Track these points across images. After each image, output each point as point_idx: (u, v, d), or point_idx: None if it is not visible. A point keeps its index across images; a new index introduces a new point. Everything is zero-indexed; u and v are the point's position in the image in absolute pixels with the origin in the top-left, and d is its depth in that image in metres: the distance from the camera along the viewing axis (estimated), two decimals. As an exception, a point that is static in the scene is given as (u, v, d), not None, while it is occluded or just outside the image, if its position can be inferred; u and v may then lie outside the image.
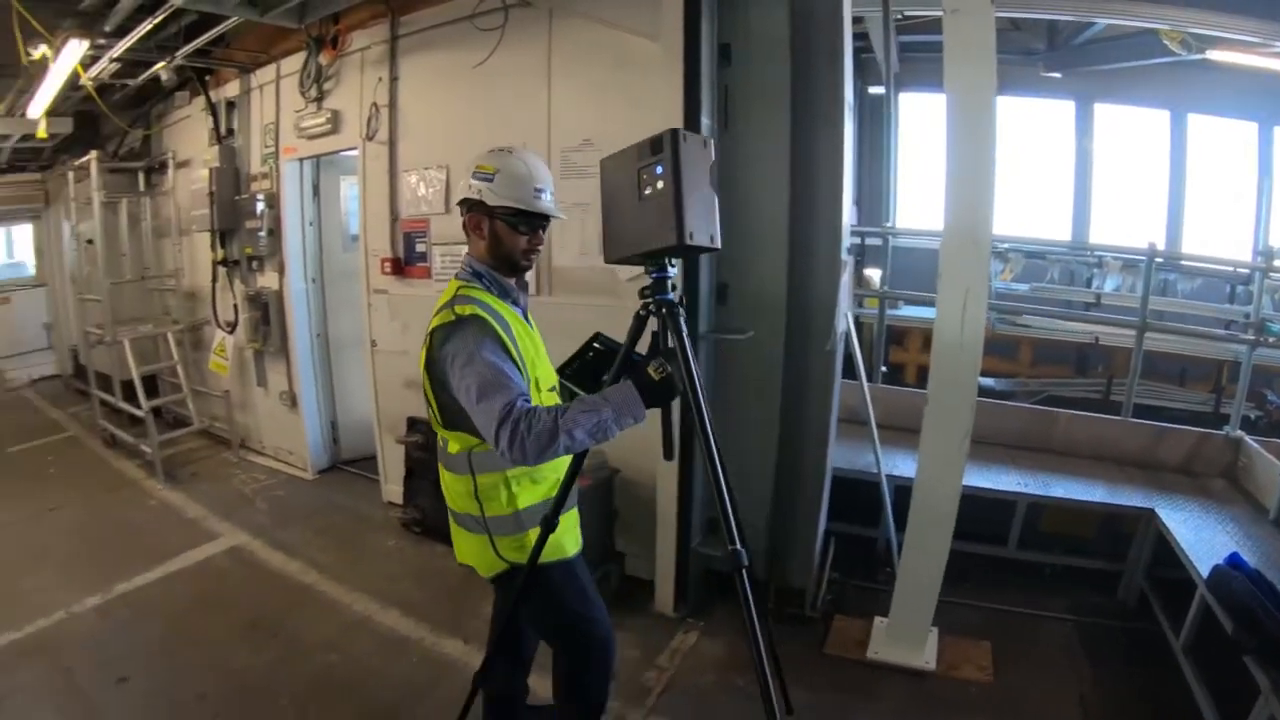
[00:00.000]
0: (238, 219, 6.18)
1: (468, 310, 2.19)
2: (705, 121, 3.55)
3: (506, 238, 2.33)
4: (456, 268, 3.83)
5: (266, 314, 6.13)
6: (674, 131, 2.03)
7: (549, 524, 2.37)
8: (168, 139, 7.60)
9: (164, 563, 4.79)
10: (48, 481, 6.58)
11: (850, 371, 3.95)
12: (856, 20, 4.33)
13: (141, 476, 6.46)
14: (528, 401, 2.08)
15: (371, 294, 5.26)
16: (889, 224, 6.46)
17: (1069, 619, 3.89)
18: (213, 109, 6.38)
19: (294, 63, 5.58)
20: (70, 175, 7.53)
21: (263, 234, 5.93)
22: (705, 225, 2.11)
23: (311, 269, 6.06)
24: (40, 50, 5.20)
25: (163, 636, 4.03)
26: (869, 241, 7.07)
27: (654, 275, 2.25)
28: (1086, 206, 8.30)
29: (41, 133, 6.95)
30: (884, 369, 5.79)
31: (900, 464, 4.27)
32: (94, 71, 5.69)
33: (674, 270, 2.26)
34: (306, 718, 3.34)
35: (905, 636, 3.53)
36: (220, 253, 6.44)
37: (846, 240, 3.67)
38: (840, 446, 4.00)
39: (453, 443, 2.37)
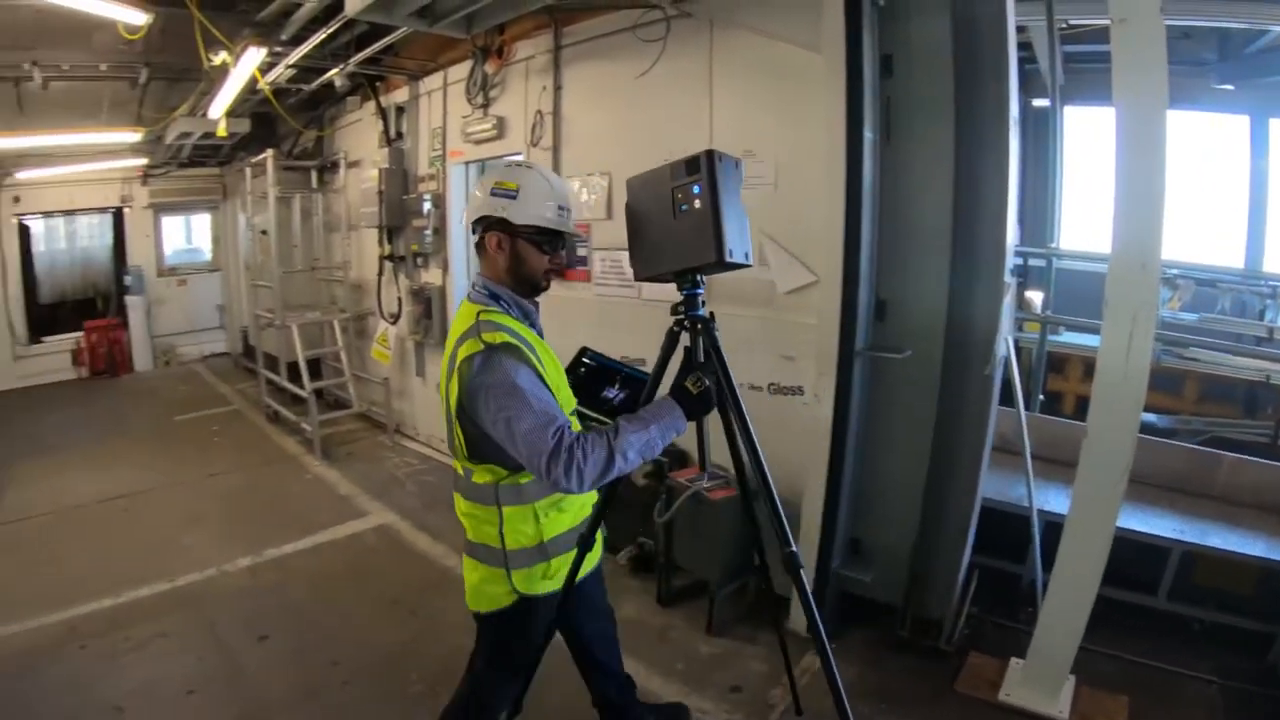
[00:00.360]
0: (405, 217, 6.54)
1: (499, 338, 2.11)
2: (868, 135, 3.49)
3: (530, 258, 2.26)
4: (616, 273, 3.96)
5: (429, 308, 6.43)
6: (710, 152, 2.13)
7: (586, 543, 2.39)
8: (339, 140, 8.14)
9: (314, 533, 5.15)
10: (211, 449, 7.19)
11: (1007, 398, 3.80)
12: (1020, 30, 4.14)
13: (300, 452, 6.94)
14: (570, 428, 2.06)
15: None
16: (1053, 244, 6.16)
17: (1214, 681, 3.58)
18: (383, 113, 6.78)
19: (461, 71, 5.87)
20: (248, 171, 8.14)
21: (428, 232, 6.24)
22: (741, 243, 2.21)
23: (474, 267, 6.25)
24: (220, 57, 5.64)
25: (306, 602, 4.32)
26: (1031, 262, 6.72)
27: (686, 293, 2.31)
28: (1261, 231, 7.58)
29: (222, 131, 7.45)
30: (1041, 397, 5.53)
31: (1052, 499, 4.04)
32: (271, 76, 6.11)
33: (703, 288, 2.32)
34: (435, 695, 3.43)
35: (1041, 682, 3.35)
36: (387, 248, 6.84)
37: (1010, 260, 3.53)
38: (991, 476, 3.82)
39: (480, 474, 2.29)
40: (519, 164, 2.35)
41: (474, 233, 2.33)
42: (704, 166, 2.13)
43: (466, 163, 6.10)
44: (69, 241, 12.98)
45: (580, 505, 2.44)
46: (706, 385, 2.19)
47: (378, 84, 6.86)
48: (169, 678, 3.75)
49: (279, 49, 5.59)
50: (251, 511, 5.60)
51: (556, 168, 5.07)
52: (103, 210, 12.37)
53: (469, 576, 2.42)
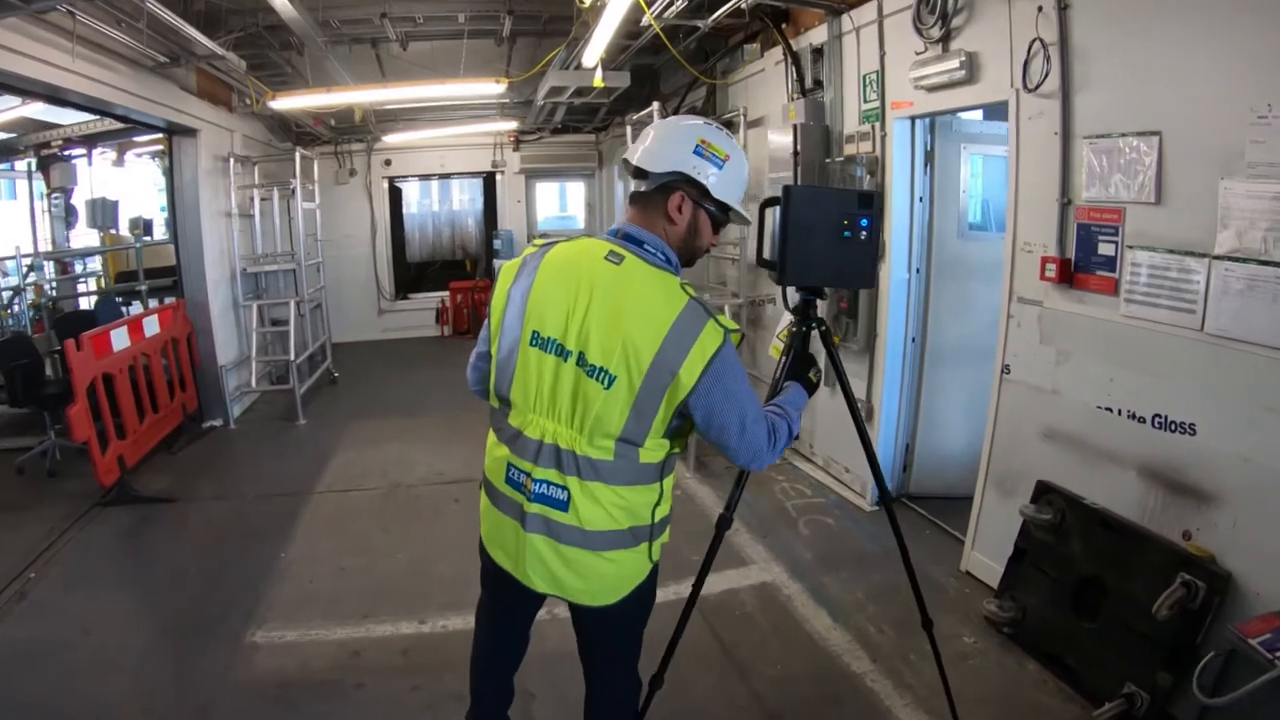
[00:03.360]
0: (826, 185, 5.27)
1: (730, 325, 2.00)
2: None
3: (705, 233, 2.14)
4: (1169, 289, 3.09)
5: (853, 304, 5.22)
6: (877, 193, 3.10)
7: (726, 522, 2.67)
8: (734, 96, 7.19)
9: (680, 580, 3.82)
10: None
11: None
12: None
13: (670, 457, 6.09)
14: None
15: (1015, 302, 3.90)
16: None
17: None
18: (795, 58, 5.60)
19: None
20: (629, 130, 7.66)
21: (860, 206, 4.96)
22: None
23: (917, 257, 4.95)
24: (591, -3, 5.07)
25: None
26: None
27: (806, 298, 2.64)
28: None
29: (598, 82, 6.92)
30: None
31: None
32: (657, 7, 5.24)
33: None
34: None
35: None
36: (800, 224, 5.72)
37: None
38: None
39: (652, 453, 2.04)
40: (725, 131, 2.11)
41: (641, 183, 2.08)
42: (876, 203, 2.50)
43: (913, 117, 4.65)
44: (440, 204, 13.79)
45: None
46: (821, 375, 2.56)
47: (783, 25, 5.72)
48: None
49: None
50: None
51: (1068, 118, 3.47)
52: (474, 175, 12.91)
53: (604, 570, 2.11)
